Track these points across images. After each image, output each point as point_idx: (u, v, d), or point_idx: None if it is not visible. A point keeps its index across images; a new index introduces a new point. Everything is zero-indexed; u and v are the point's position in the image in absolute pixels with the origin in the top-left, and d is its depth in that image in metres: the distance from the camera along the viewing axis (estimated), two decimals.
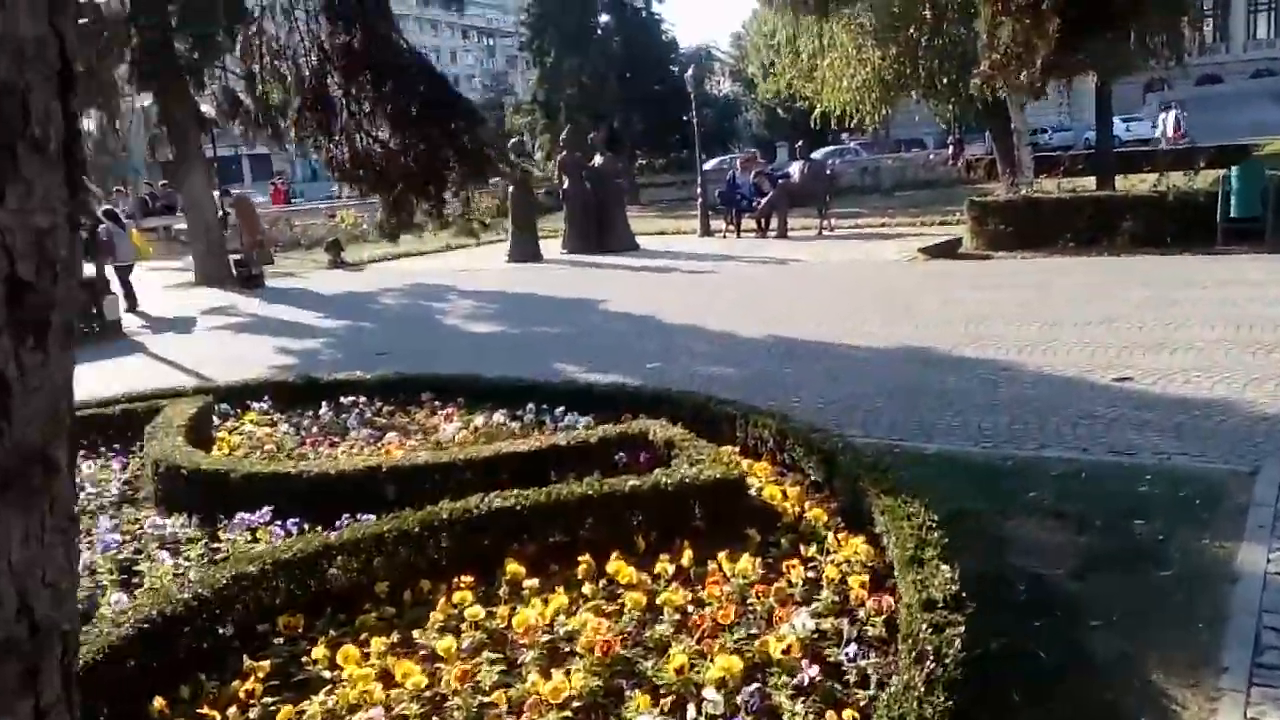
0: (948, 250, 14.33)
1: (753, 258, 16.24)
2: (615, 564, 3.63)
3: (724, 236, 19.96)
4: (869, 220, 20.52)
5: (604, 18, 33.76)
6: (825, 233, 18.97)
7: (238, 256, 18.21)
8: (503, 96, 65.85)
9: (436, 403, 6.80)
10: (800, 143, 34.04)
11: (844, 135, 51.84)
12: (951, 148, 32.34)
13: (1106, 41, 16.96)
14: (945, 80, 17.50)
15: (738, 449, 5.17)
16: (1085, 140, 42.89)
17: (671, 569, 3.65)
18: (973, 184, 28.29)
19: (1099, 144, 22.73)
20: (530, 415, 6.23)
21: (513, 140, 19.54)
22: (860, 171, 32.09)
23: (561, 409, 6.26)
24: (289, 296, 16.06)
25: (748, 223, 19.74)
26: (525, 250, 18.44)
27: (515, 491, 4.15)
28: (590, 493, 4.13)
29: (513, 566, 3.73)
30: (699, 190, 20.80)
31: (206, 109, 19.74)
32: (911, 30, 16.78)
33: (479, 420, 6.22)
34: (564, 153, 19.44)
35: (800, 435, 4.99)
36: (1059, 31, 16.84)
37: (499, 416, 6.26)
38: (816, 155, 47.46)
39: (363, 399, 6.96)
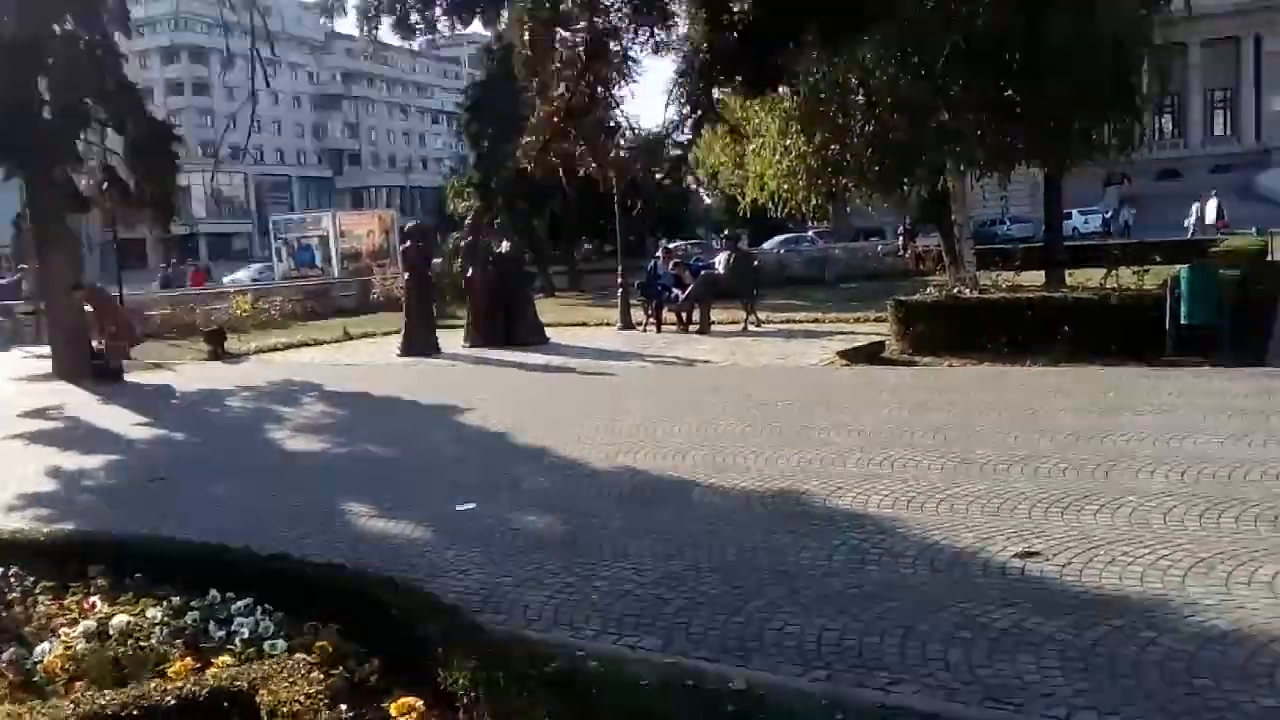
0: (870, 354, 12.78)
1: (662, 357, 14.62)
2: None
3: (644, 330, 18.39)
4: (804, 315, 19.06)
5: None
6: (751, 328, 17.45)
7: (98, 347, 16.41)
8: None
9: (101, 581, 5.01)
10: (725, 232, 32.61)
11: (808, 223, 51.21)
12: (901, 238, 31.23)
13: (1048, 132, 15.80)
14: (877, 169, 16.14)
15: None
16: (1044, 232, 42.14)
17: None
18: (922, 276, 27.09)
19: (1048, 237, 21.57)
20: (195, 616, 4.45)
21: (410, 224, 18.00)
22: (807, 261, 30.89)
23: (248, 602, 4.52)
24: (137, 394, 14.22)
25: (670, 316, 18.20)
26: (419, 344, 16.74)
27: None
28: None
29: None
30: (619, 281, 19.30)
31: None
32: (839, 117, 15.47)
33: (120, 620, 4.43)
34: (467, 239, 17.91)
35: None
36: (996, 122, 15.75)
37: (156, 613, 4.49)
38: (770, 244, 46.60)
39: (14, 569, 5.17)
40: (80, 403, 13.50)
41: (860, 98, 16.11)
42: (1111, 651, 4.04)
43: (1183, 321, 10.81)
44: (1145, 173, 53.12)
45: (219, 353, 18.39)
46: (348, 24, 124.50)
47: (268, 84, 18.95)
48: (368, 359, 16.90)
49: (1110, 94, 15.14)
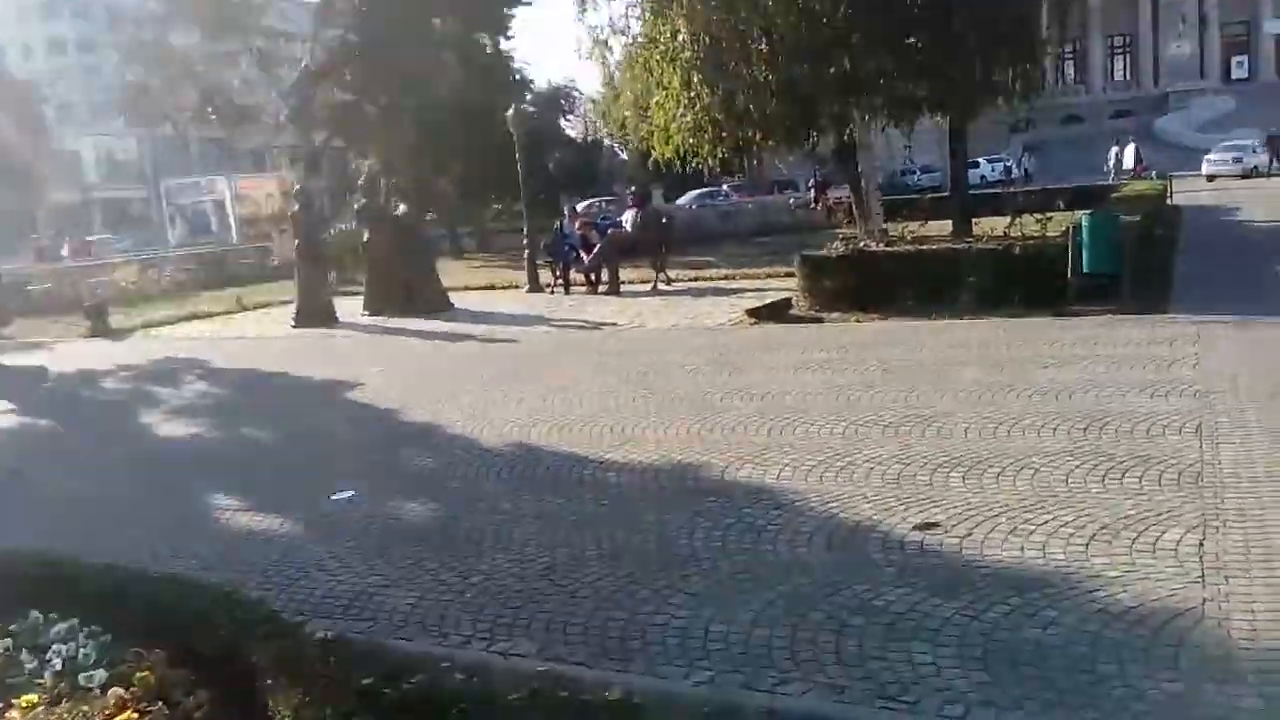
0: (778, 312, 12.50)
1: (567, 321, 14.17)
2: None
3: (551, 292, 17.88)
4: (716, 272, 18.70)
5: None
6: (662, 287, 17.07)
7: None
8: None
9: None
10: (632, 188, 32.07)
11: (720, 178, 50.92)
12: (813, 191, 31.09)
13: (951, 80, 15.64)
14: (781, 121, 15.79)
15: None
16: (950, 182, 42.51)
17: None
18: (835, 229, 27.01)
19: (953, 186, 21.54)
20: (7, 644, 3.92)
21: (298, 187, 17.11)
22: (721, 216, 30.56)
23: (71, 624, 4.02)
24: (4, 378, 13.24)
25: (579, 277, 17.72)
26: (313, 313, 16.00)
27: None
28: None
29: None
30: (524, 242, 18.71)
31: None
32: (741, 66, 15.03)
33: None
34: (362, 202, 17.12)
35: None
36: (898, 70, 15.52)
37: None
38: (685, 199, 46.25)
39: None
40: None
41: (764, 46, 15.69)
42: (1011, 636, 3.80)
43: (1085, 270, 10.75)
44: (1049, 120, 54.05)
45: (101, 329, 17.36)
46: None
47: None
48: (260, 331, 16.11)
49: (1012, 39, 15.00)
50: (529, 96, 36.69)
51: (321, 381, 10.87)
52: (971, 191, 22.77)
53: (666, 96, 16.00)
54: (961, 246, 12.22)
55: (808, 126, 16.52)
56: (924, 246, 12.81)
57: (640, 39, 16.82)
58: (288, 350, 13.74)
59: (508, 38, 33.62)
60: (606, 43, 17.79)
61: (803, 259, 12.87)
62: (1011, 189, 27.99)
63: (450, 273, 24.74)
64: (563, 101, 43.19)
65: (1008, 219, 15.41)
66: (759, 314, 12.47)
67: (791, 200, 32.29)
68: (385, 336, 14.35)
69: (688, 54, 15.19)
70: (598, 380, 9.45)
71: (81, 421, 10.18)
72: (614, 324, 13.42)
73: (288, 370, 11.74)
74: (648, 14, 16.24)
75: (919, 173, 46.13)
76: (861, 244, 13.91)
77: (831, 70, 15.10)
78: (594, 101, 45.11)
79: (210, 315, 19.06)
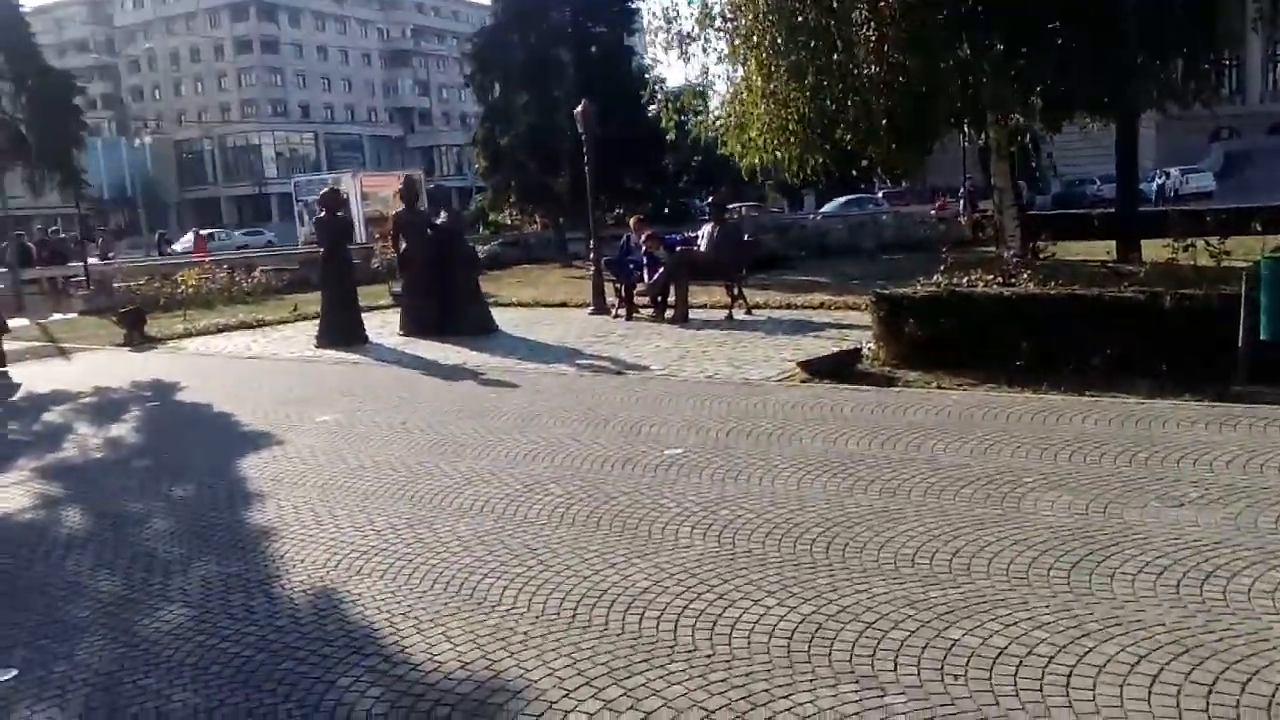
0: (841, 367, 9.67)
1: (596, 358, 11.78)
2: None
3: (614, 316, 15.50)
4: (816, 297, 15.80)
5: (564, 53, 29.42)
6: (739, 315, 14.42)
7: None
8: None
9: None
10: (710, 198, 29.09)
11: (878, 182, 47.22)
12: (963, 201, 27.48)
13: (1103, 71, 12.32)
14: (885, 121, 12.83)
15: None
16: (1146, 191, 37.45)
17: None
18: (981, 245, 23.56)
19: (1120, 202, 17.88)
20: None
21: (325, 189, 15.33)
22: (852, 228, 27.37)
23: None
24: None
25: (643, 299, 15.29)
26: (336, 332, 14.18)
27: None
28: None
29: None
30: (590, 257, 16.41)
31: None
32: (835, 56, 12.20)
33: None
34: (400, 208, 15.20)
35: None
36: (1037, 59, 12.31)
37: None
38: (830, 207, 42.83)
39: None
40: None
41: (871, 31, 12.79)
42: None
43: (1261, 337, 7.50)
44: (1256, 125, 47.86)
45: (134, 337, 16.16)
46: None
47: None
48: (278, 349, 14.43)
49: (1186, 24, 11.59)
50: (658, 94, 34.49)
51: (255, 433, 8.83)
52: (1158, 207, 18.98)
53: (744, 90, 13.31)
54: (1088, 293, 9.04)
55: (921, 130, 13.47)
56: (1043, 290, 9.67)
57: (718, 24, 14.18)
58: (270, 377, 11.91)
59: (630, 32, 31.42)
60: (688, 33, 15.17)
61: (878, 297, 9.99)
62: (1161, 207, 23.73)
63: (538, 284, 22.87)
64: (695, 100, 40.65)
65: (1175, 245, 12.09)
66: (816, 368, 9.68)
67: (933, 211, 28.71)
68: (391, 367, 12.32)
69: (769, 39, 12.46)
70: (546, 461, 6.99)
71: None
72: (645, 367, 10.91)
73: (231, 412, 9.79)
74: None
75: (1099, 183, 41.22)
76: (970, 278, 10.87)
77: (951, 61, 12.07)
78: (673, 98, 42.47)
79: (260, 325, 17.68)
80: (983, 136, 14.12)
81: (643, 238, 15.05)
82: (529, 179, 28.43)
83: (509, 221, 33.07)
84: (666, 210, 33.50)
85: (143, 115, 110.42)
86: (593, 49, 29.45)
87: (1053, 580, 4.42)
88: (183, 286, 20.42)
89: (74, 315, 22.32)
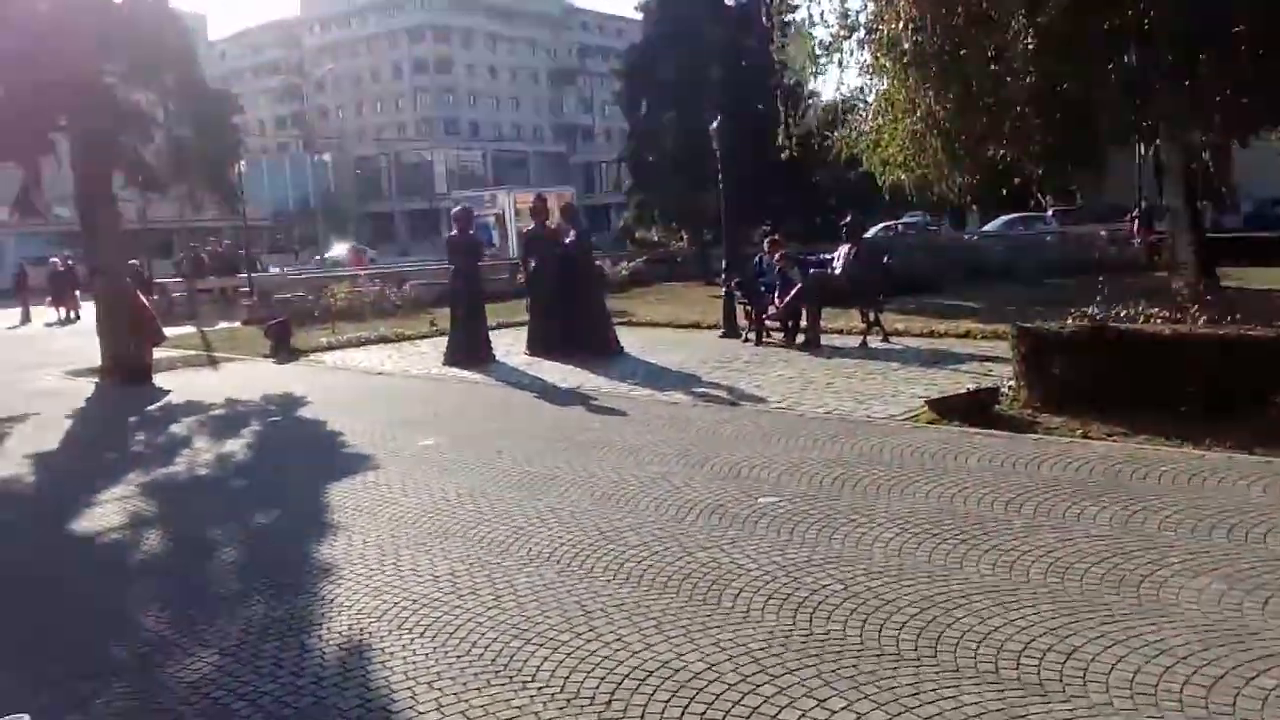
0: (976, 407, 8.77)
1: (713, 386, 11.23)
2: None
3: (744, 339, 14.91)
4: (962, 325, 14.72)
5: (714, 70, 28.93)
6: (874, 344, 13.58)
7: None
8: None
9: None
10: (847, 217, 27.41)
11: (1046, 199, 44.70)
12: (1135, 222, 25.43)
13: None
14: (1048, 139, 11.75)
15: None
16: None
17: None
18: (1157, 271, 21.67)
19: None
20: None
21: (457, 207, 15.26)
22: (1011, 249, 25.75)
23: None
24: (121, 399, 12.61)
25: (775, 322, 14.62)
26: (462, 351, 14.17)
27: None
28: None
29: None
30: (722, 277, 15.88)
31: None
32: (982, 62, 11.25)
33: None
34: (530, 226, 15.08)
35: None
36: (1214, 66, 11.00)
37: None
38: (993, 225, 40.78)
39: None
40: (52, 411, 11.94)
41: (1029, 39, 11.73)
42: None
43: None
44: None
45: (279, 349, 16.68)
46: None
47: None
48: (410, 365, 14.53)
49: None
50: (810, 109, 33.58)
51: (321, 459, 8.75)
52: None
53: (883, 100, 12.49)
54: (1267, 334, 7.87)
55: (1081, 146, 12.29)
56: (1206, 330, 8.50)
57: (860, 34, 13.39)
58: (387, 394, 11.95)
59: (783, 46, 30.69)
60: (824, 41, 14.41)
61: (1020, 332, 9.02)
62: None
63: (677, 302, 22.51)
64: (846, 115, 39.44)
65: None
66: (946, 407, 8.83)
67: (1103, 233, 26.69)
68: (508, 389, 12.14)
69: (909, 45, 11.63)
70: (603, 513, 6.50)
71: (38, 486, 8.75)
72: (762, 399, 10.29)
73: (343, 432, 9.77)
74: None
75: None
76: (1132, 310, 9.75)
77: (1111, 66, 10.93)
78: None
79: (400, 339, 17.97)
80: (1153, 152, 12.78)
81: (777, 258, 14.40)
82: (675, 196, 28.14)
83: (656, 238, 32.93)
84: (819, 225, 32.51)
85: (326, 133, 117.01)
86: (744, 64, 28.90)
87: (1187, 701, 3.61)
88: (334, 300, 21.07)
89: (238, 324, 23.35)
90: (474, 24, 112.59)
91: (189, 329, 22.38)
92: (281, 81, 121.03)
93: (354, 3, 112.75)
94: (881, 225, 44.38)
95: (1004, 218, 41.26)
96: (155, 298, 27.09)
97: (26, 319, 28.40)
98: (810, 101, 33.43)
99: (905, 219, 44.93)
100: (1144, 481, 6.47)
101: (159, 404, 12.37)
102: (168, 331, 21.81)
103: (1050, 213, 45.96)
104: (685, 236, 31.48)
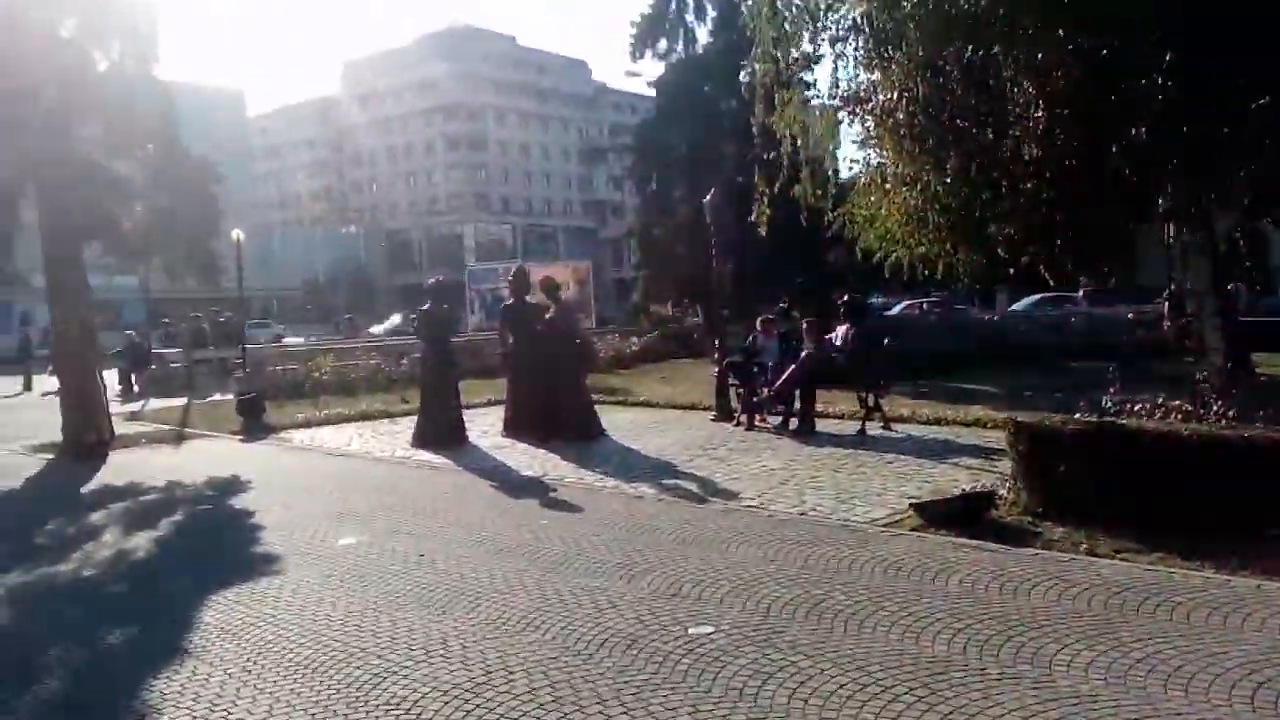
0: (967, 513, 7.68)
1: (686, 477, 10.23)
2: None
3: (735, 423, 13.90)
4: (970, 412, 13.61)
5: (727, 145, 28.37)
6: (874, 431, 12.54)
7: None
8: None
9: None
10: (846, 295, 26.29)
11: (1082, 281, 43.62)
12: (1166, 303, 24.30)
13: None
14: (1045, 211, 10.82)
15: None
16: None
17: None
18: (1185, 356, 20.48)
19: None
20: None
21: (430, 280, 14.47)
22: (1036, 330, 24.66)
23: None
24: (51, 487, 11.81)
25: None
26: (433, 432, 13.27)
27: None
28: None
29: None
30: (714, 357, 14.95)
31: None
32: (982, 133, 10.38)
33: None
34: (510, 300, 14.28)
35: None
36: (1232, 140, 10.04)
37: None
38: (1020, 305, 39.63)
39: None
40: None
41: (1039, 110, 10.87)
42: None
43: None
44: None
45: (250, 426, 15.88)
46: (615, 77, 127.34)
47: None
48: (377, 447, 13.63)
49: None
50: (828, 182, 32.92)
51: (242, 557, 7.80)
52: None
53: (878, 177, 11.64)
54: None
55: (1094, 223, 11.32)
56: (1228, 430, 7.42)
57: (851, 107, 12.61)
58: (344, 481, 11.01)
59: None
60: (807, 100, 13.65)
61: (1017, 427, 7.97)
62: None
63: (680, 381, 21.61)
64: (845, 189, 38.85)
65: None
66: (933, 512, 7.76)
67: (1130, 315, 25.54)
68: (467, 476, 11.20)
69: (905, 116, 10.80)
70: (500, 644, 5.48)
71: None
72: (735, 494, 9.26)
73: (265, 527, 8.84)
74: (858, 64, 12.02)
75: None
76: (1147, 404, 8.69)
77: (1125, 143, 10.02)
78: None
79: (379, 416, 17.15)
80: (1174, 232, 11.81)
81: (772, 337, 13.48)
82: (685, 270, 27.44)
83: (667, 313, 32.21)
84: (839, 305, 31.59)
85: (359, 206, 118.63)
86: (757, 139, 28.36)
87: None
88: (317, 374, 20.33)
89: (230, 396, 22.64)
90: (508, 103, 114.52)
91: (181, 401, 21.74)
92: (317, 156, 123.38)
93: (393, 81, 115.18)
94: (904, 304, 43.58)
95: (1033, 297, 40.18)
96: (153, 367, 26.71)
97: (28, 387, 27.98)
98: (829, 175, 32.86)
99: (931, 298, 44.00)
100: (1153, 614, 5.38)
101: (94, 486, 11.52)
102: (160, 404, 21.30)
103: (1082, 293, 44.78)
104: (699, 311, 30.74)
